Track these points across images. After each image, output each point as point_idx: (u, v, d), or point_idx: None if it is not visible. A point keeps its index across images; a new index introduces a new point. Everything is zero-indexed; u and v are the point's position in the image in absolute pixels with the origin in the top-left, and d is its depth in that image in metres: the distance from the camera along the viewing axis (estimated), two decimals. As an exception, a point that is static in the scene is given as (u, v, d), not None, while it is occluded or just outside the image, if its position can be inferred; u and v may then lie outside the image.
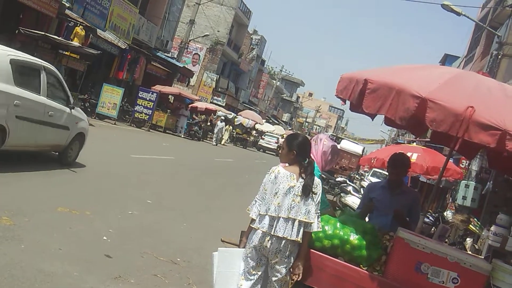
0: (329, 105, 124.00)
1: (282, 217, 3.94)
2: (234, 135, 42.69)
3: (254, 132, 45.53)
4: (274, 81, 71.54)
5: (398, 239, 4.21)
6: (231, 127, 40.47)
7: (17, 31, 18.13)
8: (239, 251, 4.18)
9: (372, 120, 4.84)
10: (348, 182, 18.45)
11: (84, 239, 5.98)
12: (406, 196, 5.30)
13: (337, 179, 19.80)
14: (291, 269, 4.01)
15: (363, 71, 4.50)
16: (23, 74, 8.31)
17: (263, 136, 45.78)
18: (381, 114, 4.14)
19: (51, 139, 9.47)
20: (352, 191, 16.61)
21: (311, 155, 4.92)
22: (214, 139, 33.75)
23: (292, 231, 3.94)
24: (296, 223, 3.94)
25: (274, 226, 3.96)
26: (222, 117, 35.36)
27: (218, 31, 46.61)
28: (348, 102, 4.69)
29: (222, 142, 37.52)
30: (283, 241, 3.94)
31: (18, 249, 5.03)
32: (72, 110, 9.86)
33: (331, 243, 4.29)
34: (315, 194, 4.05)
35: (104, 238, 6.24)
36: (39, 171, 8.99)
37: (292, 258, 4.02)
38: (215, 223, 9.23)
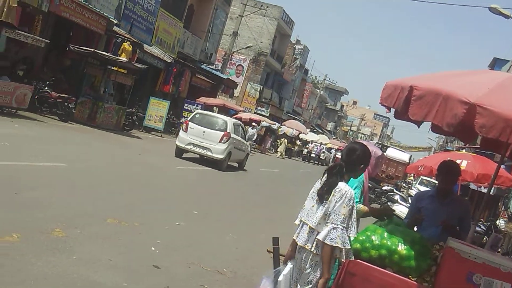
0: (374, 113, 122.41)
1: (304, 222, 3.85)
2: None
3: (298, 142, 45.38)
4: (318, 90, 71.24)
5: (448, 249, 4.10)
6: (286, 140, 40.28)
7: (67, 48, 18.78)
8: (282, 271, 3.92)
9: (418, 127, 4.75)
10: (395, 190, 18.15)
11: (133, 250, 6.10)
12: (456, 205, 5.13)
13: (383, 188, 19.51)
14: None
15: (409, 78, 4.42)
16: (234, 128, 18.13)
17: (307, 146, 45.00)
18: (428, 121, 4.05)
19: (240, 157, 19.45)
20: (399, 200, 16.33)
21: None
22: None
23: (304, 237, 3.79)
24: (307, 228, 3.79)
25: (298, 233, 3.88)
26: (254, 123, 33.49)
27: (261, 42, 46.90)
28: (393, 110, 4.62)
29: (278, 155, 37.25)
30: (303, 252, 3.78)
31: (70, 260, 5.17)
32: (246, 141, 19.69)
33: (378, 253, 4.21)
34: (327, 200, 3.73)
35: (152, 249, 6.34)
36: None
37: (313, 275, 3.73)
38: (260, 233, 9.23)
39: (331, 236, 3.61)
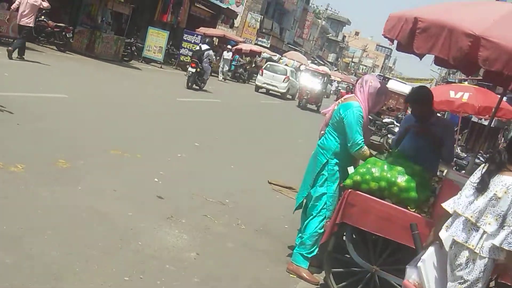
0: (376, 44, 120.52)
1: (461, 215, 3.38)
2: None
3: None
4: (319, 21, 69.83)
5: (447, 181, 4.18)
6: None
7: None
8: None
9: (421, 59, 4.70)
10: (395, 123, 18.16)
11: (136, 181, 6.20)
12: (436, 127, 5.02)
13: (384, 120, 19.52)
14: None
15: (413, 9, 4.34)
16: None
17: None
18: (433, 54, 4.01)
19: (294, 91, 29.52)
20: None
21: (356, 96, 4.85)
22: (220, 73, 28.17)
23: (462, 233, 3.32)
24: (467, 223, 3.30)
25: (451, 223, 3.45)
26: (229, 46, 29.55)
27: (262, -31, 45.50)
28: (395, 42, 4.56)
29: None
30: (461, 249, 3.33)
31: (75, 190, 5.28)
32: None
33: (378, 185, 4.29)
34: (498, 198, 3.21)
35: (156, 180, 6.45)
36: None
37: (471, 275, 3.28)
38: (262, 165, 9.36)
39: (509, 240, 3.15)
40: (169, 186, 6.35)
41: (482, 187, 3.27)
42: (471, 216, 3.25)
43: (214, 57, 21.03)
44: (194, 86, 18.63)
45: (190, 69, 18.49)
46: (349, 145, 4.68)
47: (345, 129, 4.68)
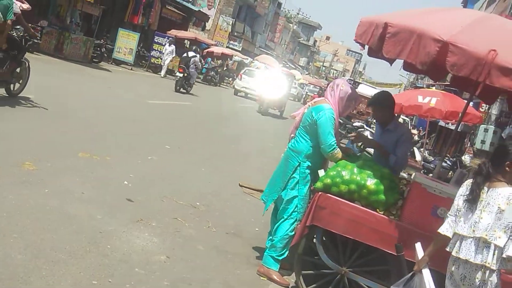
0: (347, 49, 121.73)
1: (466, 236, 3.37)
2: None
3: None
4: (291, 25, 70.23)
5: (415, 184, 4.25)
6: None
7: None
8: None
9: (391, 65, 4.77)
10: (365, 127, 18.38)
11: (105, 184, 6.11)
12: (394, 133, 5.04)
13: (354, 124, 19.72)
14: None
15: (384, 15, 4.40)
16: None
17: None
18: (402, 59, 4.08)
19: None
20: (369, 136, 16.59)
21: (327, 99, 4.90)
22: (163, 69, 25.77)
23: (475, 252, 3.29)
24: (477, 242, 3.29)
25: (458, 247, 3.41)
26: (171, 38, 26.89)
27: (234, -27, 45.51)
28: (367, 47, 4.62)
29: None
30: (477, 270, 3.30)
31: (42, 193, 5.16)
32: None
33: (348, 188, 4.34)
34: (502, 210, 3.26)
35: (125, 182, 6.37)
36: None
37: None
38: (233, 168, 9.34)
39: None
40: (139, 189, 6.28)
41: (473, 198, 3.34)
42: (486, 235, 3.24)
43: (200, 63, 22.84)
44: (181, 89, 20.33)
45: (178, 74, 20.33)
46: (322, 147, 4.71)
47: (317, 131, 4.72)
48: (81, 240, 4.38)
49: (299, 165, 4.84)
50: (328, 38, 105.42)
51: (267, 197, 5.21)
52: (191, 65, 21.09)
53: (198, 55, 22.15)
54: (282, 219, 4.88)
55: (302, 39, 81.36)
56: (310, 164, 4.83)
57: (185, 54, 22.30)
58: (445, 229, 3.44)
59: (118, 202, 5.61)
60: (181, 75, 20.11)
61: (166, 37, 26.92)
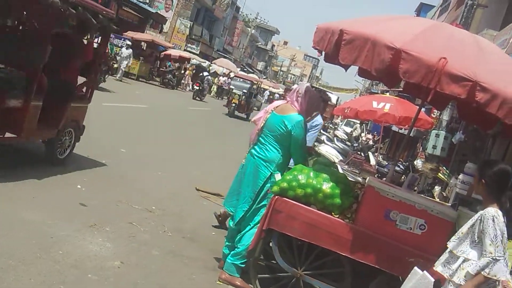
0: (304, 53, 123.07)
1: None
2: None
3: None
4: (249, 29, 70.44)
5: (369, 188, 4.33)
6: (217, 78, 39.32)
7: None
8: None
9: (346, 71, 4.85)
10: (321, 131, 18.58)
11: (58, 188, 5.97)
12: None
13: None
14: None
15: (340, 21, 4.48)
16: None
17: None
18: (357, 65, 4.16)
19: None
20: (325, 141, 16.75)
21: (293, 105, 4.88)
22: (119, 72, 24.53)
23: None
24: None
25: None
26: (128, 42, 26.36)
27: (192, -25, 45.31)
28: (323, 53, 4.68)
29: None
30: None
31: (-9, 197, 5.00)
32: None
33: (304, 191, 4.38)
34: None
35: (78, 187, 6.24)
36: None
37: None
38: (189, 171, 9.28)
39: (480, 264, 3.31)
40: (93, 193, 6.16)
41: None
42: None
43: (210, 79, 33.19)
44: (197, 98, 28.88)
45: (195, 87, 30.45)
46: (295, 158, 4.84)
47: (291, 142, 4.75)
48: (31, 245, 4.26)
49: (271, 175, 4.75)
50: (286, 43, 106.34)
51: (236, 208, 4.97)
52: (205, 82, 30.50)
53: (209, 75, 32.99)
54: (249, 227, 4.80)
55: (260, 43, 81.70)
56: (280, 173, 4.74)
57: (201, 74, 31.85)
58: (502, 274, 3.28)
59: (71, 207, 5.48)
60: (198, 88, 29.65)
61: (122, 39, 26.52)
